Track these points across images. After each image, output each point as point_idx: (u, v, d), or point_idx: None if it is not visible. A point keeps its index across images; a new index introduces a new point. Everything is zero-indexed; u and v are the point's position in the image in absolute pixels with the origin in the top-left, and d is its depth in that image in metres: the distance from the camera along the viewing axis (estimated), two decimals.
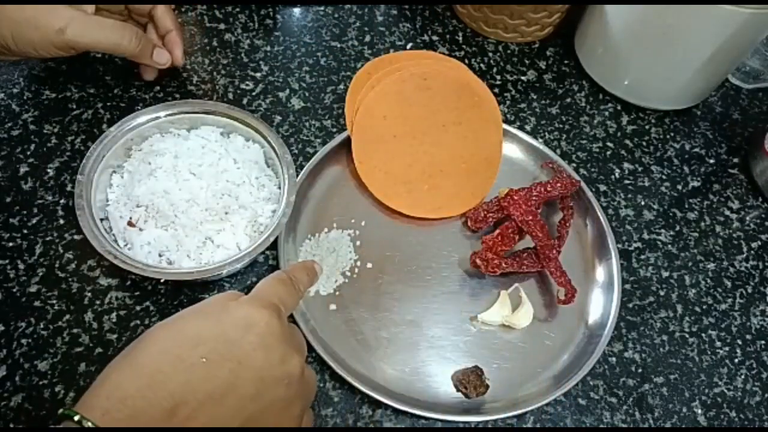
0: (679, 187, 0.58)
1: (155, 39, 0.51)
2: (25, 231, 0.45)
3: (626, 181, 0.57)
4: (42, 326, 0.42)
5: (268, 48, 0.59)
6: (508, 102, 0.60)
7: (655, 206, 0.56)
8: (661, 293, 0.51)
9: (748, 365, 0.49)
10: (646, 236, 0.54)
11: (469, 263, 0.48)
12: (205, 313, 0.32)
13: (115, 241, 0.42)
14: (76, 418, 0.27)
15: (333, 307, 0.45)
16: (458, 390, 0.44)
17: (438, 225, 0.51)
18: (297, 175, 0.47)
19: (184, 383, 0.28)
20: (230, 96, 0.55)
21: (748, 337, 0.50)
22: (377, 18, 0.64)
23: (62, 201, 0.47)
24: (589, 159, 0.58)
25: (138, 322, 0.43)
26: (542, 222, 0.48)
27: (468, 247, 0.50)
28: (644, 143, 0.60)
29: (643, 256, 0.53)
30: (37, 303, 0.42)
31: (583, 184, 0.53)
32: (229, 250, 0.42)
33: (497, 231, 0.48)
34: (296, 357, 0.33)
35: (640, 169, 0.58)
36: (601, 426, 0.44)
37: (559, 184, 0.50)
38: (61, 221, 0.46)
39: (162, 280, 0.44)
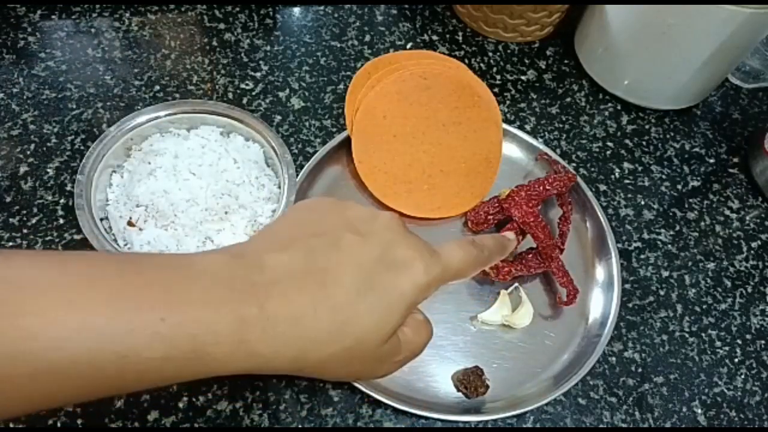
0: (679, 186, 0.58)
1: None
2: (25, 231, 0.45)
3: (626, 181, 0.57)
4: None
5: (268, 48, 0.59)
6: (508, 102, 0.60)
7: (655, 206, 0.56)
8: (661, 293, 0.51)
9: (748, 365, 0.49)
10: (646, 236, 0.54)
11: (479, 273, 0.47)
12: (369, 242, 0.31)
13: (115, 240, 0.42)
14: None
15: None
16: (458, 390, 0.44)
17: (438, 225, 0.51)
18: (297, 175, 0.47)
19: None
20: (230, 96, 0.55)
21: (748, 336, 0.50)
22: (377, 18, 0.64)
23: (62, 201, 0.47)
24: (589, 159, 0.58)
25: None
26: (544, 223, 0.48)
27: None
28: (644, 143, 0.60)
29: (643, 256, 0.53)
30: None
31: (582, 183, 0.53)
32: None
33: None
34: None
35: (640, 168, 0.58)
36: (601, 426, 0.44)
37: (557, 183, 0.50)
38: (61, 221, 0.46)
39: None
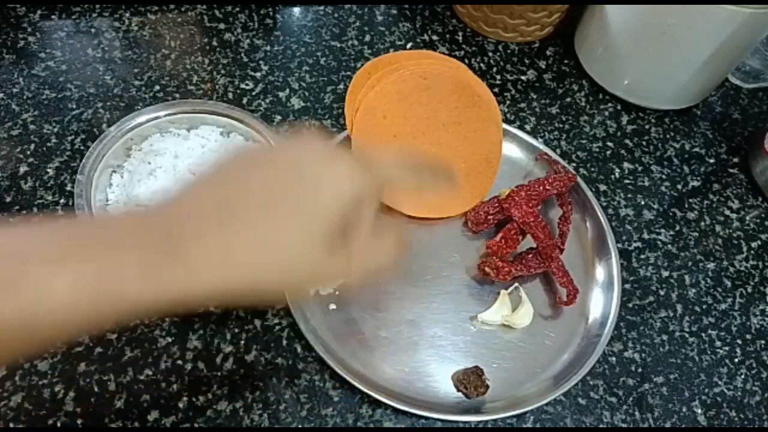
0: (679, 186, 0.58)
1: None
2: None
3: (626, 181, 0.57)
4: None
5: (268, 48, 0.59)
6: (508, 102, 0.60)
7: (655, 206, 0.56)
8: (661, 293, 0.51)
9: (748, 365, 0.49)
10: (646, 236, 0.54)
11: (477, 272, 0.47)
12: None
13: None
14: None
15: (333, 306, 0.45)
16: (458, 390, 0.44)
17: (438, 225, 0.51)
18: None
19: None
20: (230, 96, 0.55)
21: (748, 336, 0.50)
22: (377, 18, 0.64)
23: (62, 201, 0.47)
24: (589, 159, 0.58)
25: (138, 321, 0.43)
26: (544, 222, 0.48)
27: (468, 247, 0.50)
28: (644, 143, 0.60)
29: (643, 256, 0.53)
30: None
31: (582, 183, 0.53)
32: None
33: (500, 234, 0.48)
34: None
35: (640, 168, 0.58)
36: (601, 426, 0.44)
37: (557, 183, 0.50)
38: None
39: None
